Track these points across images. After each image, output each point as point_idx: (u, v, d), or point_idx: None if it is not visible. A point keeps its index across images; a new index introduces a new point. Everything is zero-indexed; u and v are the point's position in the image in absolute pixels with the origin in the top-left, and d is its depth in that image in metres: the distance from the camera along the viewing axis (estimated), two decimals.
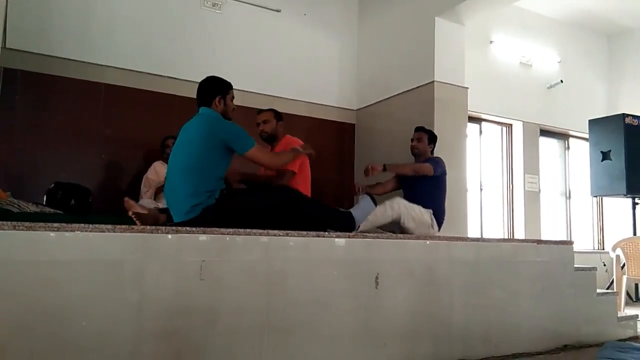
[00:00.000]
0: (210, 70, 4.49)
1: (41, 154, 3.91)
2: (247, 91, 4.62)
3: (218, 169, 2.62)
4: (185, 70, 4.44)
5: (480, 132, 5.81)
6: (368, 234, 2.63)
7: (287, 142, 3.58)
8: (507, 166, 6.01)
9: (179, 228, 2.04)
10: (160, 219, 2.68)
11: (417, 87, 4.52)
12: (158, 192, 3.88)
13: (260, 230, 2.28)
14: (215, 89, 2.78)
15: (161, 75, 4.40)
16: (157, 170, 3.97)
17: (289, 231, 2.34)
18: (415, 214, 3.52)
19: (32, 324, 1.74)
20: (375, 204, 3.18)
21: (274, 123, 3.61)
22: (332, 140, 5.26)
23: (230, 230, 2.20)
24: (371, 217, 3.26)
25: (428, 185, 3.74)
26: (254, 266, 2.21)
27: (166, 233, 2.00)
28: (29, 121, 3.93)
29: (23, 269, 1.75)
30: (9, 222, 1.77)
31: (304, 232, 2.38)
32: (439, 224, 3.68)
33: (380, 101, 5.03)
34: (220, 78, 2.84)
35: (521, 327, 3.09)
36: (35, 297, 1.76)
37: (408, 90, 4.64)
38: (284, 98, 4.91)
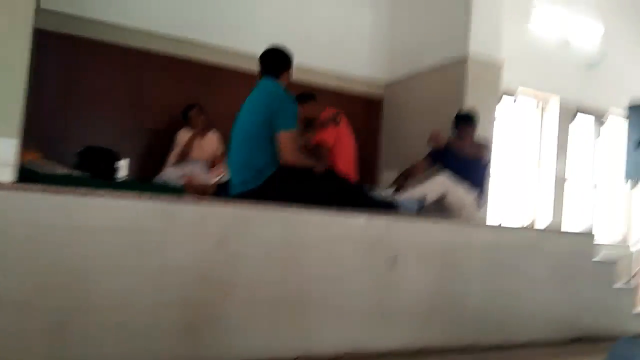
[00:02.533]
0: (238, 36, 4.55)
1: (73, 118, 4.00)
2: None
3: (271, 145, 2.61)
4: (213, 34, 4.45)
5: (515, 105, 5.65)
6: (388, 214, 2.63)
7: (326, 114, 3.58)
8: (538, 147, 5.87)
9: (201, 199, 2.08)
10: (209, 190, 2.79)
11: (450, 63, 4.41)
12: (183, 157, 3.93)
13: (280, 205, 2.30)
14: (285, 61, 2.80)
15: (189, 40, 4.37)
16: (183, 137, 4.04)
17: (308, 207, 2.36)
18: (461, 193, 3.55)
19: (54, 284, 1.81)
20: (420, 210, 3.24)
21: (315, 109, 3.55)
22: (360, 114, 5.22)
23: (249, 203, 2.23)
24: (418, 194, 3.31)
25: (477, 169, 3.79)
26: (272, 240, 2.24)
27: (188, 204, 2.04)
28: (62, 84, 4.00)
29: (48, 231, 1.82)
30: (37, 186, 1.83)
31: (324, 209, 2.39)
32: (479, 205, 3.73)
33: (411, 76, 4.94)
34: (288, 52, 2.83)
35: (536, 315, 3.09)
36: (59, 259, 1.82)
37: (440, 66, 4.53)
38: (312, 68, 4.84)
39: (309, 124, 3.61)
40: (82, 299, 1.85)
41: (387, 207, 2.96)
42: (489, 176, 3.85)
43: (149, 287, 1.96)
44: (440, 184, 3.45)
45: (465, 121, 3.80)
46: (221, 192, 2.86)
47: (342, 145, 3.56)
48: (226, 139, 4.18)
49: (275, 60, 2.80)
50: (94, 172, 3.20)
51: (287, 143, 2.63)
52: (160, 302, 1.98)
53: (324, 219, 2.39)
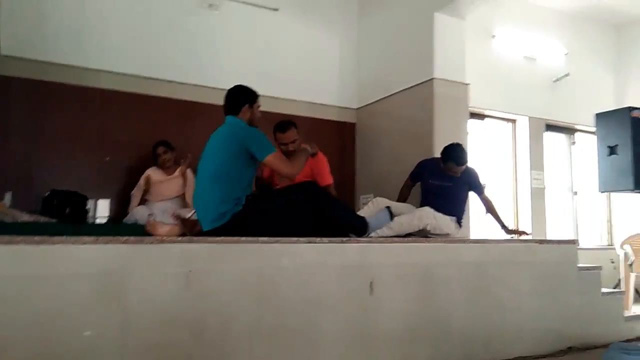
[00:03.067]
0: (207, 73, 4.57)
1: (38, 162, 3.91)
2: None
3: (244, 176, 2.68)
4: (180, 72, 4.45)
5: (484, 128, 5.72)
6: (361, 240, 2.59)
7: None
8: (512, 163, 5.93)
9: (164, 238, 2.01)
10: (197, 227, 2.74)
11: (417, 85, 4.47)
12: (143, 202, 3.88)
13: (250, 238, 2.25)
14: (243, 97, 2.84)
15: (158, 79, 4.37)
16: (151, 177, 3.97)
17: (279, 238, 2.31)
18: (443, 224, 3.58)
19: (13, 339, 1.72)
20: (392, 219, 3.22)
21: (298, 139, 3.53)
22: (333, 140, 5.22)
23: (218, 238, 2.18)
24: (396, 226, 3.31)
25: (466, 195, 3.90)
26: (243, 275, 2.18)
27: (150, 243, 1.98)
28: (26, 128, 3.93)
29: (4, 283, 1.73)
30: None
31: (294, 239, 2.35)
32: (460, 225, 3.79)
33: (381, 99, 4.98)
34: (248, 87, 2.91)
35: (523, 329, 3.04)
36: (17, 312, 1.74)
37: (408, 88, 4.58)
38: (284, 98, 4.87)
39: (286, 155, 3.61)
40: (42, 354, 1.75)
41: (359, 219, 2.96)
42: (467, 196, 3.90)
43: (115, 332, 1.88)
44: (420, 219, 3.44)
45: (450, 160, 3.72)
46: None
47: (319, 175, 3.58)
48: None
49: (232, 99, 2.85)
50: (60, 217, 3.12)
51: (278, 163, 2.70)
52: (127, 347, 1.89)
53: (297, 248, 2.35)
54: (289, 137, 3.47)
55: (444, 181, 3.79)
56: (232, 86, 2.92)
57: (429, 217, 3.50)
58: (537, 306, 3.12)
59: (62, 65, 4.06)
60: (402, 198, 4.01)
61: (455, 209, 3.79)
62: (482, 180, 3.93)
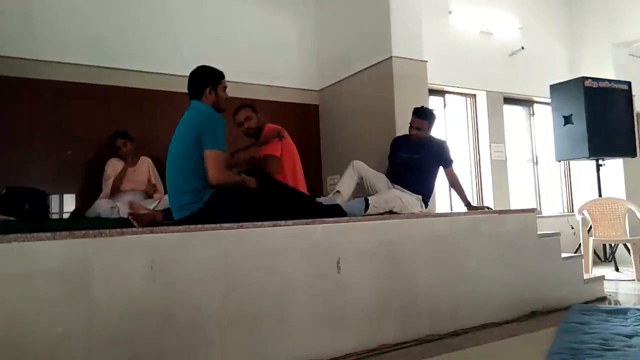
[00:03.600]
0: (164, 59, 4.47)
1: None
2: None
3: (203, 167, 2.55)
4: (135, 61, 4.34)
5: (445, 104, 5.80)
6: (326, 220, 2.60)
7: (267, 130, 3.63)
8: (472, 136, 6.03)
9: (124, 230, 1.98)
10: (157, 218, 2.69)
11: (377, 64, 4.48)
12: (115, 190, 3.79)
13: (213, 225, 2.23)
14: (205, 79, 2.74)
15: (113, 68, 4.26)
16: (115, 167, 3.89)
17: (242, 223, 2.30)
18: (409, 204, 3.62)
19: None
20: (366, 209, 3.25)
21: (254, 117, 3.63)
22: (297, 122, 5.19)
23: (180, 227, 2.15)
24: (370, 210, 3.36)
25: (435, 171, 3.92)
26: (209, 262, 2.17)
27: (110, 236, 1.94)
28: None
29: None
30: None
31: (258, 223, 2.34)
32: (426, 205, 3.85)
33: (342, 80, 4.98)
34: (211, 67, 2.79)
35: (487, 298, 3.12)
36: None
37: (368, 67, 4.59)
38: (244, 83, 4.79)
39: (255, 136, 3.64)
40: (9, 348, 1.71)
41: (334, 211, 2.95)
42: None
43: (81, 328, 1.85)
44: (387, 202, 3.48)
45: (422, 117, 3.84)
46: (170, 217, 2.78)
47: (287, 158, 3.59)
48: (161, 164, 4.08)
49: (194, 82, 2.76)
50: (19, 215, 3.02)
51: (211, 162, 2.54)
52: (95, 342, 1.86)
53: (261, 232, 2.34)
54: (240, 117, 3.60)
55: (412, 153, 3.84)
56: (194, 69, 2.82)
57: (395, 199, 3.55)
58: (500, 274, 3.20)
59: (13, 59, 3.90)
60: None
61: (424, 184, 3.84)
62: (451, 156, 3.97)
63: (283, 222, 2.43)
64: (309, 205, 2.91)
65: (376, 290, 2.67)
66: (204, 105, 2.70)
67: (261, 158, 3.51)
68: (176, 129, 2.73)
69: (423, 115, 3.85)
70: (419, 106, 3.92)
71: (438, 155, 3.90)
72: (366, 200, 3.35)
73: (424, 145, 3.86)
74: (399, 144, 3.99)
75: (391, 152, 4.03)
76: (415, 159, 3.83)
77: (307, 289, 2.43)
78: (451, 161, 3.93)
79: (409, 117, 3.94)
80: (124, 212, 3.46)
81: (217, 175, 2.54)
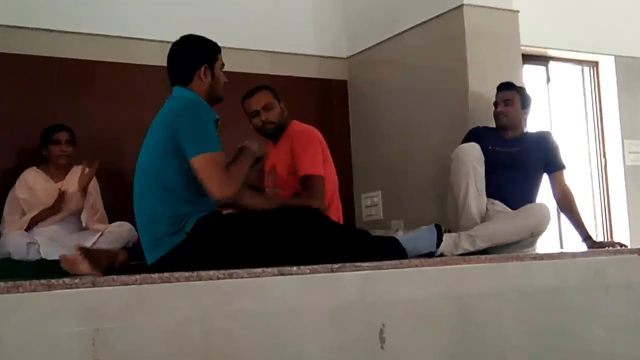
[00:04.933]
0: (105, 16, 4.53)
1: None
2: (170, 42, 4.57)
3: (189, 183, 2.66)
4: (60, 17, 4.45)
5: (548, 77, 5.80)
6: (363, 264, 2.62)
7: (297, 132, 3.69)
8: (594, 128, 6.02)
9: (52, 282, 2.01)
10: (119, 257, 2.79)
11: (439, 16, 4.52)
12: (38, 219, 3.86)
13: (188, 274, 2.26)
14: (197, 55, 2.86)
15: (28, 28, 4.35)
16: (30, 184, 3.95)
17: (233, 271, 2.32)
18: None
19: None
20: (441, 237, 3.26)
21: (277, 106, 3.67)
22: (314, 107, 5.24)
23: (136, 277, 2.18)
24: (490, 233, 3.50)
25: (540, 176, 4.04)
26: (180, 330, 2.19)
27: (31, 291, 1.97)
28: None
29: None
30: None
31: (258, 270, 2.36)
32: None
33: (383, 42, 5.04)
34: (203, 38, 2.92)
35: None
36: None
37: (425, 22, 4.64)
38: (241, 49, 4.89)
39: (272, 136, 3.78)
40: None
41: (392, 249, 2.99)
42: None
43: None
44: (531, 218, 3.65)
45: (511, 89, 3.98)
46: (138, 258, 2.88)
47: (300, 162, 3.62)
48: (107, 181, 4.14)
49: (180, 60, 2.86)
50: None
51: (209, 169, 2.61)
52: None
53: (261, 284, 2.36)
54: (256, 104, 3.61)
55: (507, 146, 3.94)
56: (175, 41, 2.93)
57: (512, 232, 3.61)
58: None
59: None
60: None
61: (530, 196, 3.91)
62: (562, 158, 4.02)
63: (296, 268, 2.44)
64: (366, 245, 2.95)
65: None
66: (190, 93, 2.80)
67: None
68: (148, 131, 2.83)
69: (511, 86, 3.98)
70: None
71: (543, 150, 3.95)
72: (438, 229, 3.33)
73: (521, 136, 3.97)
74: (481, 134, 4.03)
75: None
76: (514, 154, 3.90)
77: None
78: (562, 163, 3.97)
79: (489, 95, 3.96)
80: (47, 251, 3.52)
81: (224, 185, 2.61)
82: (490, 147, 3.94)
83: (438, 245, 3.26)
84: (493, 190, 3.85)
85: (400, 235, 3.17)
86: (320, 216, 2.92)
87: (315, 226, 2.80)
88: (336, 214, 3.71)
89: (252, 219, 2.82)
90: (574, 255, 3.31)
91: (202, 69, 2.82)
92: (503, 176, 3.86)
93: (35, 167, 4.05)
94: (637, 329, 3.21)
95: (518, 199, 3.83)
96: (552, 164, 3.97)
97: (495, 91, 4.02)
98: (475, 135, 4.06)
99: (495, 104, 4.01)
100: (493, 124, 4.09)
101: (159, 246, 2.63)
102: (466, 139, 4.06)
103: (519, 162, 3.89)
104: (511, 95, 3.97)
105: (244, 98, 3.68)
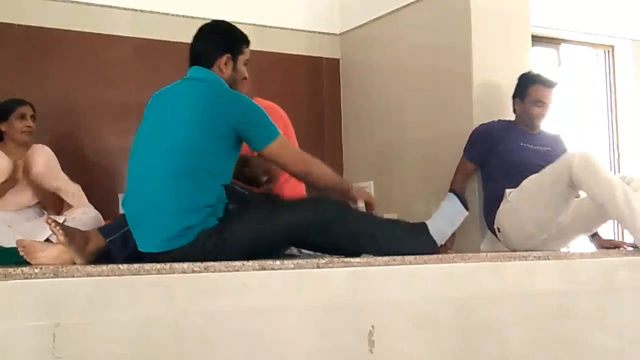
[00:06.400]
0: None
1: None
2: (148, 12, 4.74)
3: (224, 170, 2.84)
4: None
5: (559, 61, 5.83)
6: (353, 260, 2.63)
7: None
8: (608, 117, 6.08)
9: (10, 271, 2.01)
10: (94, 241, 2.80)
11: None
12: None
13: (160, 266, 2.27)
14: (225, 42, 2.99)
15: None
16: None
17: (209, 263, 2.33)
18: None
19: None
20: (466, 206, 3.26)
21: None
22: (303, 87, 5.23)
23: (103, 268, 2.18)
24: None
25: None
26: (150, 328, 2.20)
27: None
28: None
29: None
30: None
31: (237, 263, 2.38)
32: None
33: (381, 17, 5.03)
34: (234, 26, 3.07)
35: None
36: None
37: None
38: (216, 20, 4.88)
39: None
40: None
41: (411, 233, 3.03)
42: None
43: None
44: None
45: (554, 83, 4.03)
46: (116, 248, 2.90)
47: None
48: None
49: (206, 42, 2.99)
50: None
51: (285, 151, 2.88)
52: None
53: (239, 279, 2.38)
54: None
55: (537, 143, 4.02)
56: (206, 23, 3.08)
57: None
58: None
59: None
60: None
61: None
62: None
63: (278, 262, 2.45)
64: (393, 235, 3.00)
65: None
66: (221, 82, 2.92)
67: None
68: (159, 109, 2.91)
69: (554, 84, 4.01)
70: (529, 73, 4.06)
71: (561, 152, 3.99)
72: (456, 193, 3.37)
73: (540, 133, 4.05)
74: (500, 131, 4.07)
75: (485, 145, 4.09)
76: (546, 153, 3.97)
77: None
78: None
79: (495, 80, 3.97)
80: (3, 237, 3.51)
81: (303, 159, 2.94)
82: (522, 144, 4.02)
83: (467, 208, 3.26)
84: None
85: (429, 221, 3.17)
86: (346, 206, 2.98)
87: (342, 216, 2.87)
88: (295, 189, 3.73)
89: (277, 205, 3.01)
90: (579, 256, 3.34)
91: (224, 57, 2.94)
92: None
93: None
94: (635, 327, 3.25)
95: None
96: None
97: (503, 75, 4.06)
98: (485, 133, 4.10)
99: (537, 102, 4.02)
100: (498, 112, 4.16)
101: (184, 235, 2.67)
102: (475, 137, 4.10)
103: (548, 161, 3.87)
104: (549, 95, 4.03)
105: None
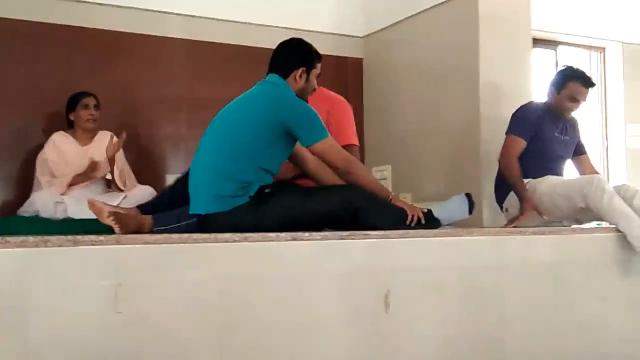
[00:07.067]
0: None
1: None
2: (197, 17, 4.73)
3: (268, 154, 2.91)
4: None
5: (557, 61, 5.77)
6: (372, 233, 2.65)
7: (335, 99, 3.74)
8: (599, 112, 6.01)
9: (78, 238, 2.06)
10: (146, 223, 2.90)
11: None
12: (72, 183, 3.92)
13: (206, 236, 2.31)
14: (300, 57, 3.08)
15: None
16: (59, 147, 4.01)
17: (248, 234, 2.37)
18: None
19: None
20: (471, 209, 3.24)
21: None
22: (329, 83, 5.20)
23: (159, 237, 2.22)
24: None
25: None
26: (199, 289, 2.24)
27: (58, 246, 2.02)
28: None
29: None
30: None
31: (273, 234, 2.41)
32: None
33: (399, 22, 5.03)
34: (309, 44, 3.14)
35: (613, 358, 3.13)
36: None
37: (440, 4, 4.63)
38: (257, 25, 4.93)
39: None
40: None
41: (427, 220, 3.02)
42: None
43: None
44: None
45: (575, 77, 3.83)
46: (161, 222, 2.96)
47: (341, 131, 3.60)
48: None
49: (284, 55, 3.07)
50: None
51: (333, 152, 2.93)
52: None
53: (274, 248, 2.40)
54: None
55: (563, 133, 3.92)
56: (287, 39, 3.15)
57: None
58: (632, 325, 3.22)
59: None
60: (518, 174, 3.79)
61: None
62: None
63: (308, 234, 2.49)
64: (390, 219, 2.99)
65: (443, 340, 2.70)
66: (287, 88, 3.02)
67: None
68: (239, 102, 3.02)
69: (593, 84, 3.90)
70: (567, 66, 3.94)
71: (577, 137, 3.98)
72: (469, 197, 3.29)
73: (565, 121, 3.94)
74: (542, 115, 3.90)
75: (534, 125, 3.86)
76: (568, 143, 3.92)
77: (339, 334, 2.48)
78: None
79: (500, 78, 3.94)
80: (74, 210, 3.57)
81: (348, 159, 2.96)
82: (554, 134, 3.88)
83: (470, 212, 3.25)
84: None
85: (433, 206, 3.19)
86: (363, 194, 2.96)
87: (358, 204, 2.89)
88: None
89: (304, 193, 3.00)
90: (569, 231, 3.36)
91: (300, 70, 3.02)
92: (558, 164, 3.90)
93: (62, 131, 4.09)
94: (628, 304, 3.25)
95: None
96: (582, 146, 4.04)
97: (506, 73, 4.02)
98: (533, 113, 3.88)
99: (572, 98, 3.82)
100: (501, 106, 4.13)
101: (221, 202, 2.77)
102: (523, 115, 3.86)
103: (567, 151, 3.89)
104: (585, 95, 3.88)
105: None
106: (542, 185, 3.68)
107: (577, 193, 3.45)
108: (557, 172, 3.85)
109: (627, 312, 3.23)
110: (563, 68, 3.96)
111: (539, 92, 4.17)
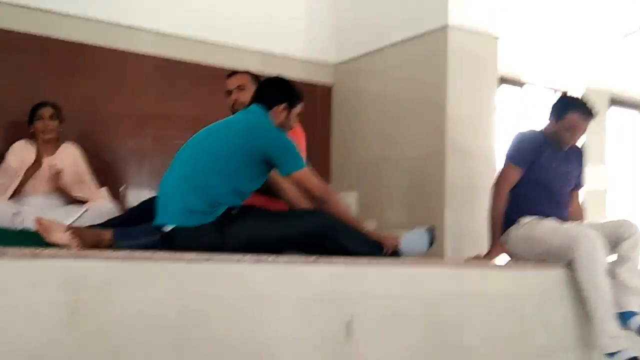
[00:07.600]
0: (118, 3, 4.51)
1: None
2: (169, 34, 4.71)
3: (241, 180, 2.95)
4: (102, 8, 4.48)
5: (522, 99, 5.87)
6: (335, 260, 2.64)
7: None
8: None
9: (37, 251, 2.00)
10: (105, 239, 2.87)
11: (425, 34, 4.57)
12: (20, 189, 3.85)
13: (168, 254, 2.27)
14: (284, 94, 3.15)
15: (26, 7, 4.28)
16: (19, 156, 3.93)
17: (212, 254, 2.34)
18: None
19: None
20: (432, 243, 3.23)
21: (250, 89, 3.61)
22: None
23: (120, 253, 2.18)
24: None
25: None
26: (158, 308, 2.20)
27: (15, 258, 1.96)
28: None
29: None
30: None
31: (236, 257, 2.39)
32: None
33: (371, 52, 5.07)
34: (294, 85, 3.23)
35: None
36: None
37: (412, 38, 4.70)
38: (229, 46, 4.92)
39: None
40: None
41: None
42: None
43: None
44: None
45: (574, 108, 3.64)
46: (121, 236, 2.92)
47: None
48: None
49: (270, 90, 3.14)
50: None
51: (309, 181, 2.99)
52: None
53: (240, 271, 2.38)
54: (234, 82, 3.68)
55: (561, 161, 3.75)
56: (273, 76, 3.24)
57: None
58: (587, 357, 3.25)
59: None
60: (501, 210, 3.71)
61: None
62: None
63: (272, 257, 2.46)
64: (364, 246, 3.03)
65: None
66: (268, 119, 3.07)
67: None
68: (221, 123, 3.08)
69: (593, 116, 3.71)
70: (572, 97, 3.78)
71: (580, 167, 3.89)
72: (430, 232, 3.24)
73: (568, 151, 3.79)
74: (540, 142, 3.75)
75: (534, 155, 3.72)
76: (568, 174, 3.78)
77: (301, 359, 2.45)
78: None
79: (467, 113, 3.97)
80: (32, 222, 3.50)
81: (324, 190, 3.03)
82: (552, 164, 3.70)
83: (430, 245, 3.24)
84: (554, 211, 3.64)
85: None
86: (332, 219, 3.01)
87: (326, 228, 2.93)
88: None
89: (271, 216, 3.06)
90: (533, 267, 3.38)
91: (282, 105, 3.08)
92: (560, 200, 3.74)
93: (24, 140, 4.01)
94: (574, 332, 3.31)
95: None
96: (581, 179, 3.92)
97: (472, 107, 4.04)
98: (534, 141, 3.74)
99: (571, 129, 3.64)
100: (467, 138, 4.17)
101: (187, 216, 2.78)
102: (522, 145, 3.74)
103: (571, 184, 3.82)
104: (585, 127, 3.69)
105: (227, 77, 3.77)
106: (531, 234, 3.56)
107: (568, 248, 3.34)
108: (547, 203, 3.66)
109: (583, 347, 3.27)
110: (563, 96, 3.85)
111: (504, 127, 4.21)
